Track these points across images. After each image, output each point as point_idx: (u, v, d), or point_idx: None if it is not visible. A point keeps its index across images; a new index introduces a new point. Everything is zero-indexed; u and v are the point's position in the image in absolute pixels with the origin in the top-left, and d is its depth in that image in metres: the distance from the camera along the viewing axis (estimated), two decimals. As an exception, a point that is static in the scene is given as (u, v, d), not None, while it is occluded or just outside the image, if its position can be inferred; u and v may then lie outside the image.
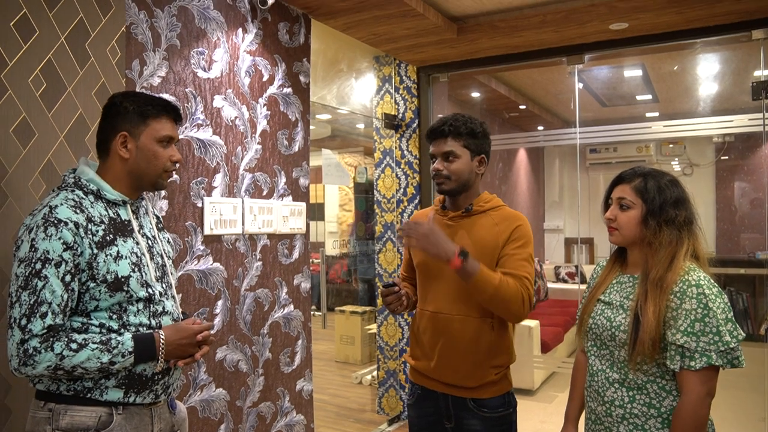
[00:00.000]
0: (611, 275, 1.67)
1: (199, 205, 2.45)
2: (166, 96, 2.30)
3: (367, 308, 5.85)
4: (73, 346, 1.35)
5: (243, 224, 2.65)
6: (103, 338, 1.39)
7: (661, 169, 1.65)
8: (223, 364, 2.55)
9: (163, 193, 2.30)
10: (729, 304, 1.47)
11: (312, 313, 3.14)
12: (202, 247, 2.46)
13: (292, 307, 2.95)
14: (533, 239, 1.90)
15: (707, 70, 5.43)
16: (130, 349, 1.40)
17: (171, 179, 2.33)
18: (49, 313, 1.34)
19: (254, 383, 2.71)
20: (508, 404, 1.90)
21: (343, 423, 4.19)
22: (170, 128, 1.55)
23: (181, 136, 2.38)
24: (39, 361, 1.32)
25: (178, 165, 1.61)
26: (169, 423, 1.57)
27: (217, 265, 2.53)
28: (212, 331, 1.62)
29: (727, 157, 7.28)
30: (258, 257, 2.74)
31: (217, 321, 2.53)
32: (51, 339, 1.34)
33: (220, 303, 2.54)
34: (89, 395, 1.41)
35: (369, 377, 5.04)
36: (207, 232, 2.47)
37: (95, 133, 1.56)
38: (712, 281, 1.49)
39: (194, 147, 2.44)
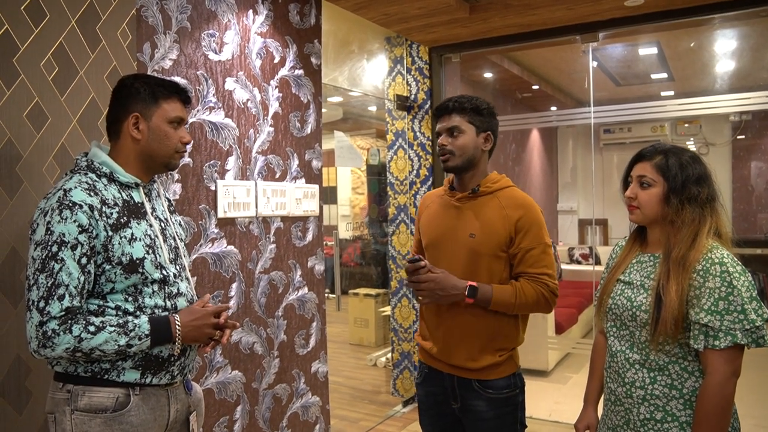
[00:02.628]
0: (631, 255, 1.64)
1: (213, 188, 2.46)
2: (177, 79, 2.29)
3: (381, 291, 5.87)
4: (91, 328, 1.36)
5: (256, 207, 2.65)
6: (120, 321, 1.40)
7: None
8: (238, 347, 2.57)
9: (176, 176, 2.30)
10: (753, 282, 1.44)
11: (326, 295, 3.15)
12: (216, 230, 2.47)
13: (306, 289, 2.96)
14: (546, 221, 1.90)
15: (724, 46, 5.32)
16: (147, 332, 1.41)
17: (183, 161, 2.33)
18: (67, 296, 1.35)
19: (270, 365, 2.73)
20: (514, 385, 1.88)
21: (358, 405, 4.23)
22: (180, 110, 1.56)
23: (193, 119, 2.37)
24: (58, 343, 1.33)
25: (188, 147, 1.61)
26: (186, 404, 1.59)
27: (231, 247, 2.54)
28: (228, 312, 1.63)
29: (743, 136, 7.17)
30: (272, 240, 2.75)
31: (232, 303, 2.55)
32: (69, 321, 1.35)
33: (234, 286, 2.55)
34: (107, 376, 1.42)
35: (383, 359, 5.07)
36: (221, 215, 2.48)
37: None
38: (736, 259, 1.45)
39: (206, 130, 2.43)
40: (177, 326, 1.46)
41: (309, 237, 2.98)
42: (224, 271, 2.51)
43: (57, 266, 1.34)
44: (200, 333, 1.51)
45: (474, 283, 1.80)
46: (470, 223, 1.87)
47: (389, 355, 4.81)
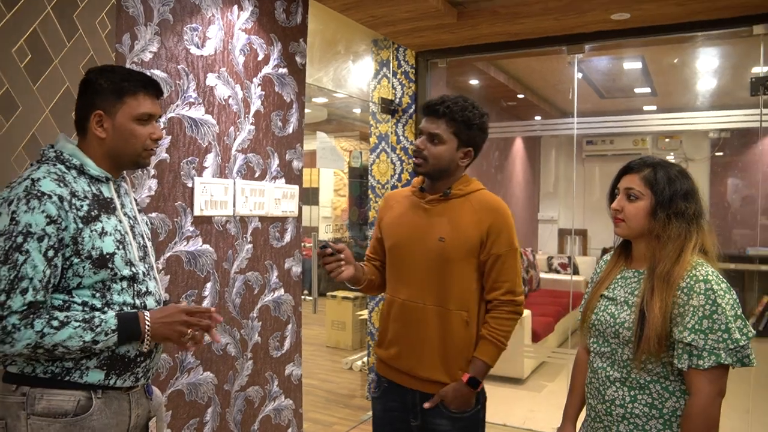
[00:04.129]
0: (615, 270, 1.61)
1: (190, 185, 2.41)
2: (157, 73, 2.25)
3: (359, 294, 5.84)
4: (55, 323, 1.29)
5: (234, 206, 2.61)
6: (86, 316, 1.33)
7: None
8: (210, 348, 2.52)
9: (152, 171, 2.25)
10: (738, 300, 1.41)
11: (303, 297, 3.11)
12: (191, 228, 2.42)
13: (282, 291, 2.91)
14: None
15: (706, 64, 5.39)
16: (114, 327, 1.35)
17: (160, 157, 2.28)
18: (30, 289, 1.28)
19: (243, 367, 2.69)
20: (477, 401, 1.83)
21: (332, 408, 4.19)
22: (149, 105, 1.47)
23: (172, 114, 2.32)
24: (18, 339, 1.26)
25: (161, 143, 1.55)
26: (146, 408, 1.53)
27: (206, 246, 2.49)
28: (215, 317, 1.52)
29: (722, 153, 7.27)
30: (249, 240, 2.70)
31: (206, 303, 2.49)
32: (31, 316, 1.28)
33: (209, 285, 2.50)
34: (68, 377, 1.35)
35: (359, 363, 5.03)
36: (197, 212, 2.43)
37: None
38: (721, 277, 1.43)
39: (185, 125, 2.38)
40: (147, 322, 1.40)
41: (287, 238, 2.93)
42: (199, 270, 2.46)
43: (21, 258, 1.28)
44: (171, 330, 1.42)
45: (467, 375, 1.78)
46: (440, 226, 1.81)
47: (365, 359, 4.78)
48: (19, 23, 1.76)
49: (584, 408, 1.68)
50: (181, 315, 1.44)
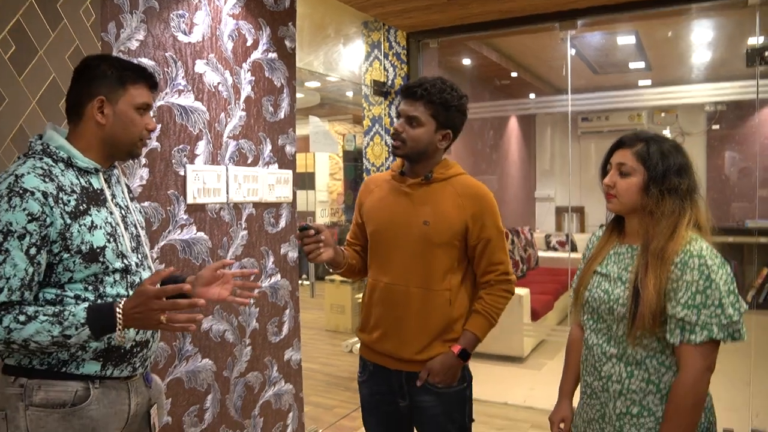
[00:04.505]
0: (608, 246, 1.59)
1: (182, 173, 2.40)
2: (145, 61, 2.22)
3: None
4: (21, 318, 1.26)
5: (227, 193, 2.60)
6: (56, 310, 1.30)
7: None
8: (209, 335, 2.53)
9: (143, 161, 2.24)
10: (732, 275, 1.40)
11: (300, 282, 3.11)
12: (185, 217, 2.42)
13: (279, 276, 2.92)
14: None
15: (701, 36, 5.36)
16: (83, 321, 1.29)
17: (151, 145, 2.26)
18: (5, 290, 1.26)
19: (241, 353, 2.70)
20: (462, 379, 1.84)
21: (333, 391, 4.22)
22: (147, 95, 1.49)
23: (161, 102, 2.31)
24: None
25: (152, 134, 1.54)
26: (146, 396, 1.53)
27: (201, 234, 2.49)
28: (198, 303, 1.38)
29: (718, 126, 7.26)
30: (243, 226, 2.70)
31: (203, 291, 2.50)
32: (1, 313, 1.26)
33: (205, 273, 2.50)
34: (65, 369, 1.35)
35: (359, 345, 5.06)
36: (190, 200, 2.42)
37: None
38: (715, 252, 1.42)
39: (175, 113, 2.37)
40: (119, 314, 1.32)
41: (282, 223, 2.93)
42: (194, 258, 2.46)
43: (0, 257, 1.26)
44: (147, 318, 1.31)
45: (458, 347, 1.79)
46: (423, 210, 1.80)
47: (365, 342, 4.80)
48: (2, 14, 1.74)
49: (579, 385, 1.69)
50: (151, 302, 1.30)
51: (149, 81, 1.50)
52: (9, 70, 1.76)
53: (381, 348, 1.86)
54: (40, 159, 1.38)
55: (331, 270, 1.93)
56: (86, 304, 1.33)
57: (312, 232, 1.75)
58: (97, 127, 1.43)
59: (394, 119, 4.12)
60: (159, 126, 2.29)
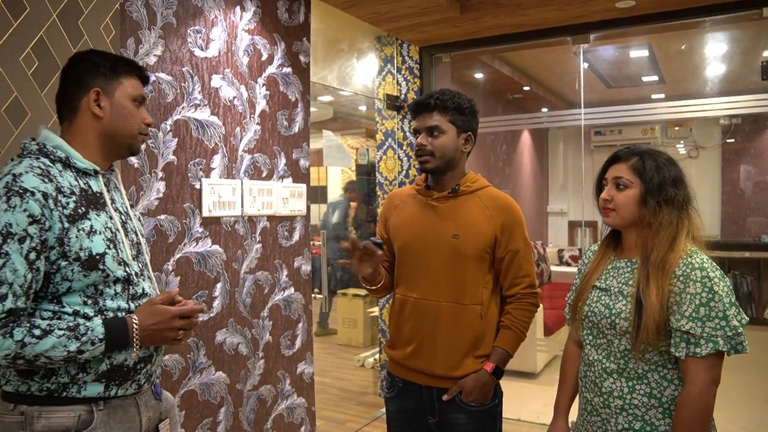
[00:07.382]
0: (605, 260, 1.59)
1: (197, 186, 2.42)
2: (162, 75, 2.26)
3: (370, 291, 5.84)
4: (36, 332, 1.19)
5: (242, 206, 2.62)
6: (71, 324, 1.24)
7: (666, 151, 1.59)
8: (222, 347, 2.54)
9: (160, 174, 2.26)
10: (731, 287, 1.42)
11: (313, 296, 3.12)
12: (200, 229, 2.43)
13: (292, 289, 2.92)
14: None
15: (715, 49, 5.34)
16: (101, 336, 1.25)
17: (167, 159, 2.29)
18: (10, 295, 1.19)
19: (254, 366, 2.70)
20: (494, 395, 1.83)
21: (345, 406, 4.20)
22: (141, 88, 1.45)
23: (177, 117, 2.34)
24: None
25: (150, 128, 1.49)
26: (157, 410, 1.47)
27: (216, 247, 2.50)
28: (204, 316, 1.46)
29: (733, 140, 7.20)
30: (258, 239, 2.71)
31: (217, 304, 2.51)
32: (11, 324, 1.19)
33: (219, 286, 2.52)
34: (65, 393, 1.27)
35: (371, 360, 5.04)
36: (205, 213, 2.44)
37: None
38: (715, 264, 1.43)
39: (192, 127, 2.40)
40: (135, 330, 1.29)
41: (296, 237, 2.94)
42: (209, 270, 2.47)
43: (0, 262, 1.19)
44: (161, 337, 1.34)
45: (490, 364, 1.79)
46: (451, 223, 1.80)
47: (377, 356, 4.79)
48: (26, 31, 1.78)
49: (576, 401, 1.66)
50: (174, 321, 1.33)
51: (141, 74, 1.46)
52: (32, 85, 1.80)
53: (413, 364, 1.83)
54: (37, 158, 1.30)
55: (365, 285, 1.93)
56: (101, 319, 1.29)
57: (381, 252, 1.79)
58: (95, 121, 1.37)
59: (407, 133, 4.14)
60: (175, 140, 2.32)
